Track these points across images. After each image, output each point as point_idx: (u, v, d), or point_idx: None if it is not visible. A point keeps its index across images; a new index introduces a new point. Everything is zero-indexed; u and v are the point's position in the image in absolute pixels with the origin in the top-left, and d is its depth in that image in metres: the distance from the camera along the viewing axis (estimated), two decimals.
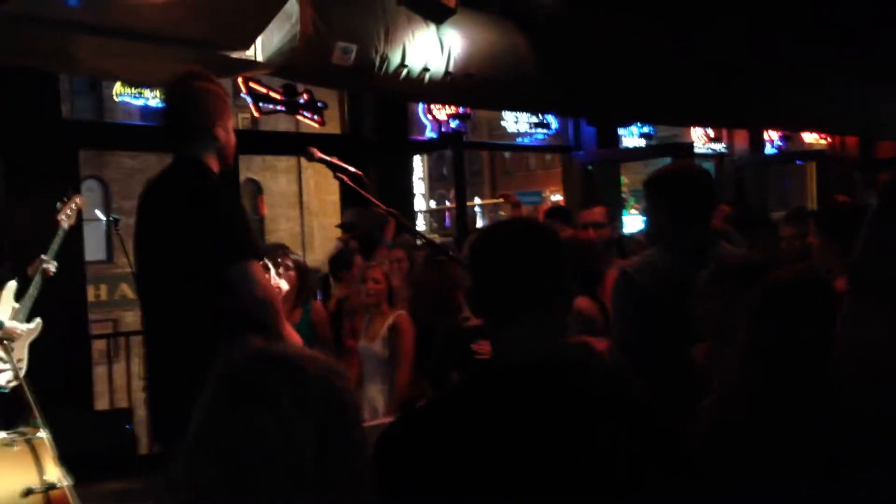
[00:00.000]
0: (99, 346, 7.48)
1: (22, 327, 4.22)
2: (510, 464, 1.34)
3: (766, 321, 1.77)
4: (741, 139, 12.82)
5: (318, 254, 21.60)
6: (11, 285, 4.28)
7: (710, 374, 2.11)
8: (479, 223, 29.51)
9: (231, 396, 1.15)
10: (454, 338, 3.66)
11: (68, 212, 4.40)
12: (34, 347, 4.40)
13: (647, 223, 2.78)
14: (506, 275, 1.47)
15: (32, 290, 4.23)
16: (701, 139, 12.71)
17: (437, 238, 21.33)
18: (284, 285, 3.74)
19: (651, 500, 1.36)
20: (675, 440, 1.45)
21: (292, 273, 4.42)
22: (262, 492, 1.10)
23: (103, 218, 19.27)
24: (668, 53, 7.22)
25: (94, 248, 15.88)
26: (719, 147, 13.00)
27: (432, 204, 30.78)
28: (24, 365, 4.13)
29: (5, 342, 4.00)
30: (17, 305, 4.23)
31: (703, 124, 11.91)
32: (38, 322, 4.28)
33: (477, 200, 29.98)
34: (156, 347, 2.81)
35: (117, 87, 6.33)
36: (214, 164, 2.73)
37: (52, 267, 4.27)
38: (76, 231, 5.98)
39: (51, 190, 5.53)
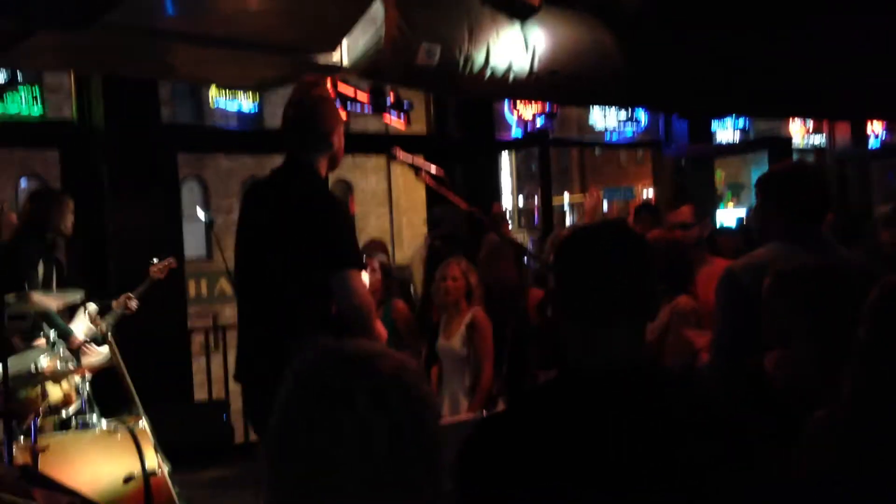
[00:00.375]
0: (198, 339, 7.78)
1: (95, 348, 4.51)
2: (595, 471, 1.34)
3: (886, 322, 1.70)
4: (842, 132, 12.27)
5: (407, 251, 21.84)
6: (92, 308, 4.57)
7: (776, 383, 2.05)
8: (568, 221, 29.23)
9: (306, 396, 1.17)
10: (525, 338, 3.67)
11: (160, 267, 4.92)
12: (137, 342, 4.65)
13: (759, 222, 2.76)
14: (597, 278, 1.46)
15: (110, 319, 4.55)
16: (800, 132, 12.25)
17: (525, 236, 21.24)
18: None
19: None
20: (759, 456, 1.42)
21: (378, 276, 4.53)
22: (339, 491, 1.11)
23: (203, 217, 20.00)
24: (762, 42, 6.98)
25: (194, 246, 16.47)
26: (819, 141, 12.50)
27: (520, 201, 30.65)
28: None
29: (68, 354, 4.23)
30: (92, 327, 4.46)
31: (802, 116, 11.47)
32: (106, 352, 4.47)
33: (566, 197, 29.70)
34: (252, 340, 2.91)
35: (213, 91, 6.58)
36: (324, 169, 2.88)
37: (134, 304, 4.75)
38: (176, 229, 6.28)
39: (153, 191, 5.82)
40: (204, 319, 11.58)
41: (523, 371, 3.47)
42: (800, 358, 1.91)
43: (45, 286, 4.49)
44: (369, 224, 22.52)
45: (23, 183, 19.43)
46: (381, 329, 2.98)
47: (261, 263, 2.86)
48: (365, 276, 3.59)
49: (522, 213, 31.75)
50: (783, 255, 2.52)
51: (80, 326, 4.39)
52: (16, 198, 18.94)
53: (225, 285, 18.11)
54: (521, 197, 30.63)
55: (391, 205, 23.05)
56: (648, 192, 26.36)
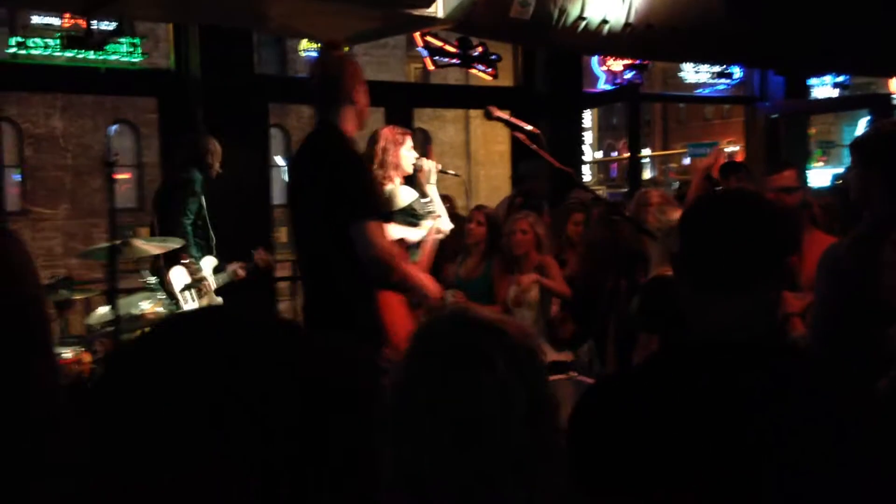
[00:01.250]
0: (282, 284, 7.97)
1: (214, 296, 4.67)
2: (709, 445, 1.31)
3: None
4: None
5: (484, 203, 21.73)
6: (211, 260, 4.76)
7: None
8: (648, 175, 28.66)
9: (443, 360, 1.18)
10: (617, 298, 3.63)
11: (242, 267, 4.94)
12: (226, 288, 4.79)
13: (854, 188, 2.61)
14: (729, 246, 1.43)
15: (220, 280, 4.74)
16: None
17: (604, 190, 20.93)
18: (414, 236, 3.83)
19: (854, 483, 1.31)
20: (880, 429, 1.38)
21: (483, 229, 4.50)
22: (478, 451, 1.13)
23: (284, 164, 20.36)
24: None
25: (279, 193, 16.78)
26: None
27: (599, 154, 30.16)
28: None
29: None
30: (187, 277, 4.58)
31: None
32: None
33: (647, 152, 29.07)
34: (307, 293, 3.12)
35: (303, 42, 6.60)
36: (352, 126, 2.97)
37: (242, 273, 4.90)
38: (264, 176, 6.40)
39: (245, 139, 5.92)
40: (287, 265, 11.79)
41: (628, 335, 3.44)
42: None
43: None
44: (446, 176, 22.52)
45: (112, 129, 20.05)
46: (418, 277, 3.08)
47: (301, 221, 3.04)
48: (398, 229, 3.65)
49: (600, 167, 31.28)
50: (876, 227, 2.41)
51: (180, 275, 4.53)
52: (107, 143, 19.59)
53: None
54: (600, 151, 30.15)
55: (469, 157, 22.95)
56: (734, 150, 25.57)
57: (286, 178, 3.30)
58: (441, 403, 1.15)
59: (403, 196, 3.83)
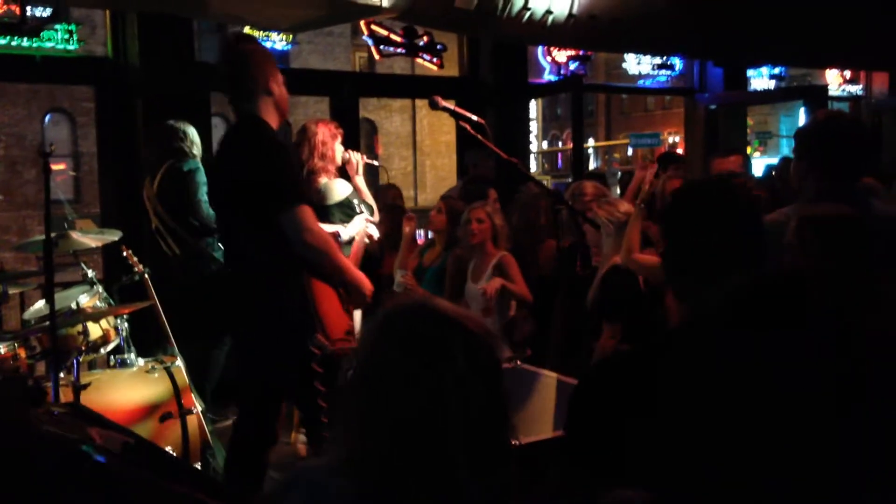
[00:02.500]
0: None
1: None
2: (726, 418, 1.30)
3: None
4: (880, 81, 12.00)
5: (430, 193, 21.77)
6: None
7: None
8: (592, 165, 28.98)
9: (403, 350, 1.17)
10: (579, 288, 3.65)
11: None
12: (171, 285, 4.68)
13: (792, 177, 2.70)
14: (716, 233, 1.50)
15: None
16: (836, 81, 11.99)
17: (549, 180, 21.09)
18: (375, 232, 3.90)
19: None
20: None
21: (442, 216, 4.47)
22: (438, 444, 1.13)
23: None
24: None
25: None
26: (856, 90, 12.23)
27: (545, 145, 30.39)
28: None
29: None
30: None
31: (840, 66, 11.21)
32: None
33: (591, 142, 29.39)
34: (236, 286, 3.05)
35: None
36: (273, 116, 2.95)
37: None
38: (205, 165, 6.30)
39: None
40: None
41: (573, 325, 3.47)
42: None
43: None
44: (393, 166, 22.47)
45: (48, 117, 19.48)
46: (353, 270, 3.08)
47: (225, 214, 3.01)
48: (365, 227, 3.64)
49: (546, 157, 31.52)
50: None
51: None
52: (42, 132, 19.03)
53: None
54: (545, 141, 30.37)
55: (415, 147, 22.92)
56: (675, 139, 26.00)
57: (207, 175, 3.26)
58: (400, 393, 1.15)
59: (340, 189, 3.85)
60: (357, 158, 4.00)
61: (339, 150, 3.91)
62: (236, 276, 3.03)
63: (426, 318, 1.20)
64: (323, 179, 3.83)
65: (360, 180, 4.03)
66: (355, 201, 3.90)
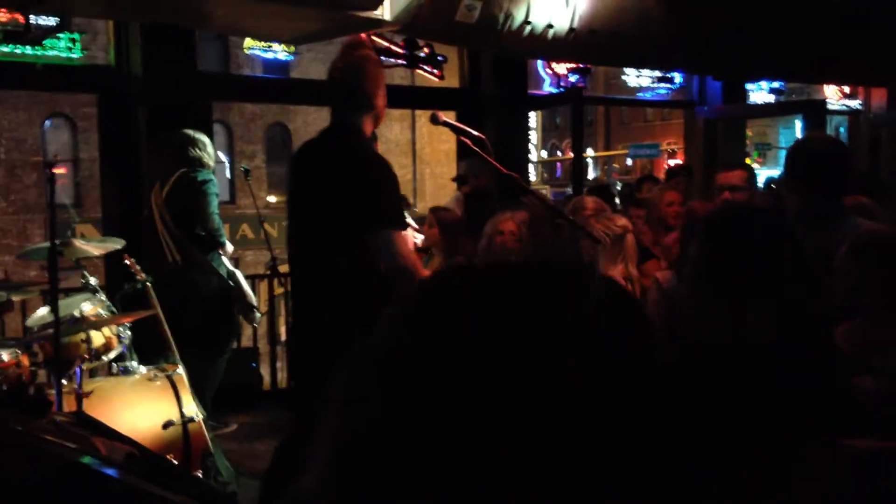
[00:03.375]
0: None
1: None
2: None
3: None
4: (879, 96, 12.05)
5: (430, 202, 21.79)
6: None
7: (850, 354, 2.07)
8: (591, 175, 29.04)
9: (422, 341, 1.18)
10: None
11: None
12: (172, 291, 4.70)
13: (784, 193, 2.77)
14: (756, 256, 1.55)
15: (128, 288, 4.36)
16: (835, 95, 12.05)
17: (548, 190, 21.14)
18: (418, 238, 3.86)
19: None
20: None
21: (434, 230, 4.49)
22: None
23: (226, 161, 20.07)
24: (801, 6, 6.85)
25: (223, 189, 16.54)
26: (854, 104, 12.29)
27: (544, 154, 30.44)
28: None
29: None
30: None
31: (838, 82, 11.27)
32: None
33: (590, 152, 29.45)
34: (306, 306, 2.97)
35: (248, 40, 6.54)
36: (369, 128, 2.91)
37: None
38: None
39: None
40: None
41: None
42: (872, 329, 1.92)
43: None
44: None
45: (48, 122, 19.51)
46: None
47: (312, 226, 2.90)
48: (411, 235, 3.61)
49: (545, 167, 31.56)
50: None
51: None
52: (42, 137, 19.07)
53: (247, 230, 18.24)
54: (544, 150, 30.41)
55: (414, 156, 22.95)
56: (674, 150, 26.03)
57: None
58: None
59: None
60: None
61: None
62: (312, 287, 2.89)
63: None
64: None
65: None
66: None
